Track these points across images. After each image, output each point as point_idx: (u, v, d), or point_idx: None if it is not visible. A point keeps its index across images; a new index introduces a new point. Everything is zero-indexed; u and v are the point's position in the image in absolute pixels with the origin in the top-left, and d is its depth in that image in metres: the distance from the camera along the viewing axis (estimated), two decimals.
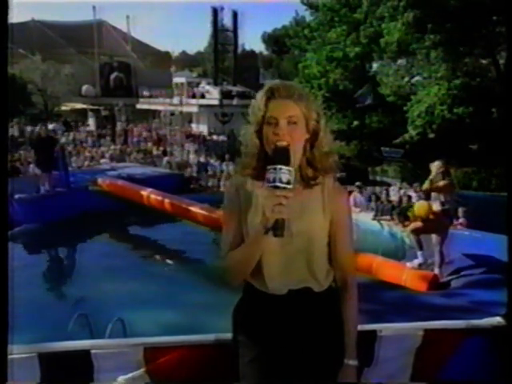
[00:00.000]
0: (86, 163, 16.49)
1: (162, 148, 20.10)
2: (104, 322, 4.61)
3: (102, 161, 16.87)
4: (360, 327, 1.67)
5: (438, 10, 17.88)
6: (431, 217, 6.50)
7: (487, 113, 18.67)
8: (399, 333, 1.94)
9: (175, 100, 30.38)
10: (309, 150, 1.53)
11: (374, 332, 1.89)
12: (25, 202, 10.28)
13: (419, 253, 6.80)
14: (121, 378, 1.75)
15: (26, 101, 28.03)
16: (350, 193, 10.84)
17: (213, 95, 29.68)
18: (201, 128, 28.19)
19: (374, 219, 10.01)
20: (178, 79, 32.61)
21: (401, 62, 22.46)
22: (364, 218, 9.92)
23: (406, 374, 1.95)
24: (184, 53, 52.71)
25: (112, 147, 19.76)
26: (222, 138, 24.40)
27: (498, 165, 16.35)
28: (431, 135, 18.96)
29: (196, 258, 9.04)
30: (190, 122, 29.58)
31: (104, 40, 38.69)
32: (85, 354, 1.75)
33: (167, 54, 46.71)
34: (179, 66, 40.04)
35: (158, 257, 9.35)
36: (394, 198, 11.48)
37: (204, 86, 30.85)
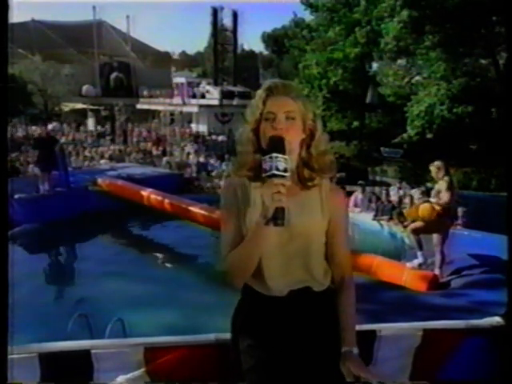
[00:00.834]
0: (86, 163, 16.49)
1: (161, 148, 20.10)
2: (104, 322, 4.60)
3: (102, 161, 16.87)
4: (359, 327, 1.67)
5: (438, 10, 17.88)
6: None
7: (487, 113, 18.66)
8: (399, 333, 1.94)
9: (175, 100, 30.40)
10: (305, 150, 1.54)
11: (373, 332, 1.90)
12: (25, 202, 10.27)
13: (419, 253, 6.80)
14: (121, 378, 1.75)
15: (26, 101, 28.01)
16: (351, 193, 10.85)
17: (213, 95, 29.69)
18: (201, 128, 28.20)
19: (374, 219, 10.01)
20: (178, 79, 32.64)
21: (401, 62, 22.45)
22: (364, 218, 9.92)
23: (406, 373, 1.95)
24: (184, 53, 52.72)
25: (112, 147, 19.76)
26: (222, 137, 24.41)
27: (497, 165, 16.34)
28: (430, 135, 18.95)
29: (196, 258, 9.04)
30: (190, 122, 29.59)
31: (104, 40, 38.70)
32: (85, 354, 1.76)
33: (167, 54, 46.72)
34: (179, 66, 40.06)
35: (158, 257, 9.34)
36: (393, 198, 11.48)
37: (204, 86, 30.86)
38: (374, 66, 24.70)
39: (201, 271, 7.91)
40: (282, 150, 1.36)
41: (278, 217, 1.33)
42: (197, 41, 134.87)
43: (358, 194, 10.91)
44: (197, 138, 24.55)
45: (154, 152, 19.44)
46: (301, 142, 1.52)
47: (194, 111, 29.33)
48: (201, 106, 28.95)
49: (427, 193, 7.93)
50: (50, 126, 13.54)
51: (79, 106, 32.54)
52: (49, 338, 1.99)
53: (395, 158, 21.29)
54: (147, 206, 10.71)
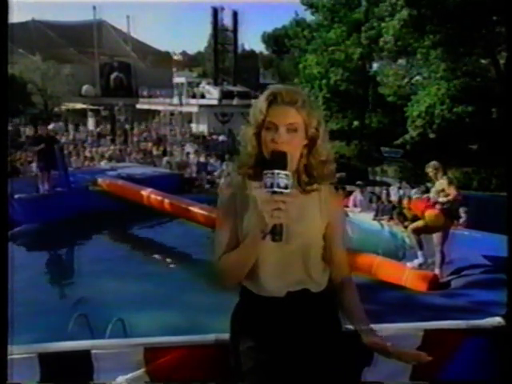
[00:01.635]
0: (86, 163, 16.49)
1: (161, 148, 20.10)
2: (104, 322, 4.60)
3: (103, 163, 16.86)
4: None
5: (438, 10, 17.88)
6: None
7: (487, 113, 18.67)
8: (399, 333, 1.94)
9: (175, 100, 30.42)
10: (306, 156, 1.52)
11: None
12: (25, 202, 10.27)
13: (419, 253, 6.81)
14: (121, 379, 1.75)
15: (26, 101, 28.02)
16: (351, 193, 10.85)
17: (213, 95, 29.70)
18: (201, 128, 28.21)
19: (374, 219, 10.01)
20: (178, 79, 32.65)
21: (401, 62, 22.46)
22: (364, 218, 9.92)
23: (406, 373, 1.95)
24: (184, 53, 52.73)
25: (112, 147, 19.77)
26: (222, 137, 24.42)
27: (497, 165, 16.35)
28: (431, 135, 18.95)
29: (196, 258, 9.03)
30: (190, 122, 29.61)
31: (104, 40, 38.76)
32: (85, 354, 1.75)
33: (167, 54, 46.72)
34: (179, 66, 40.06)
35: (157, 257, 9.34)
36: (394, 197, 11.47)
37: (204, 86, 30.87)
38: (375, 66, 24.72)
39: (201, 271, 7.90)
40: (284, 166, 1.34)
41: (276, 232, 1.34)
42: (197, 41, 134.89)
43: (357, 194, 10.90)
44: (197, 138, 24.57)
45: (155, 152, 19.44)
46: (301, 148, 1.51)
47: (194, 111, 29.35)
48: (201, 105, 28.97)
49: (427, 192, 7.93)
50: (50, 126, 13.55)
51: (79, 105, 32.56)
52: (49, 338, 1.99)
53: (395, 158, 21.32)
54: (147, 205, 10.70)
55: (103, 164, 16.40)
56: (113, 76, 37.30)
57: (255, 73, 42.01)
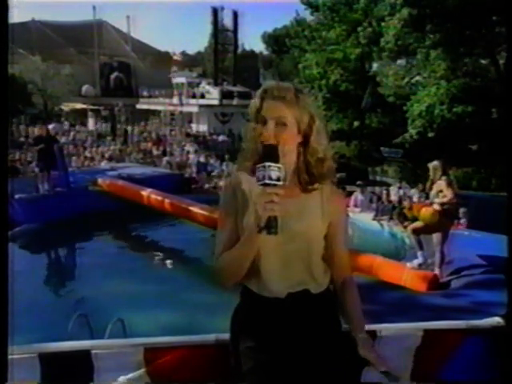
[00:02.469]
0: (86, 163, 16.48)
1: (161, 148, 20.11)
2: (104, 322, 4.61)
3: (103, 163, 16.86)
4: None
5: (438, 10, 17.89)
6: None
7: (487, 113, 18.66)
8: (399, 333, 1.94)
9: (175, 100, 30.42)
10: (302, 154, 1.53)
11: (373, 332, 1.89)
12: (25, 202, 10.28)
13: (419, 253, 6.80)
14: (121, 379, 1.75)
15: (26, 101, 28.02)
16: (351, 193, 10.86)
17: (213, 95, 29.70)
18: (201, 128, 28.21)
19: (374, 219, 10.01)
20: (178, 79, 32.66)
21: (401, 62, 22.46)
22: (364, 218, 9.92)
23: (406, 374, 1.95)
24: (184, 53, 52.73)
25: (112, 147, 19.77)
26: (222, 137, 24.42)
27: (498, 165, 16.35)
28: (431, 134, 18.95)
29: (196, 257, 9.04)
30: (190, 122, 29.61)
31: (104, 40, 38.75)
32: (85, 354, 1.75)
33: (167, 54, 46.74)
34: (179, 66, 40.08)
35: (158, 257, 9.34)
36: (394, 198, 11.48)
37: (204, 86, 30.87)
38: (374, 66, 24.70)
39: (201, 271, 7.91)
40: (275, 159, 1.35)
41: (270, 225, 1.33)
42: (197, 41, 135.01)
43: (357, 194, 10.91)
44: (197, 137, 24.57)
45: (155, 152, 19.45)
46: (297, 147, 1.52)
47: (194, 111, 29.35)
48: (201, 105, 28.97)
49: (424, 190, 7.93)
50: (50, 126, 13.55)
51: (79, 105, 32.57)
52: (49, 338, 1.99)
53: (395, 158, 21.33)
54: (147, 206, 10.71)
55: (103, 164, 16.41)
56: (113, 76, 37.27)
57: (255, 73, 42.03)
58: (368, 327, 1.90)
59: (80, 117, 30.72)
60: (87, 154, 18.10)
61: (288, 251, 1.50)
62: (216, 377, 1.80)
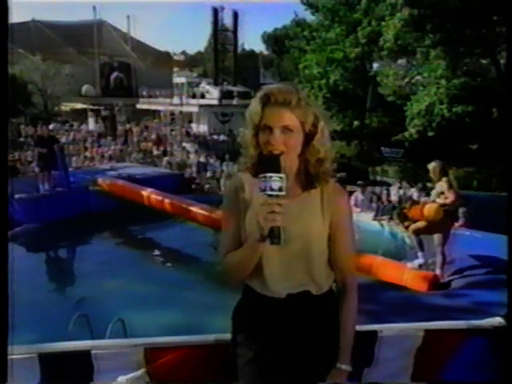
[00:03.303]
0: (86, 163, 16.48)
1: (162, 148, 20.11)
2: (104, 322, 4.60)
3: (104, 164, 16.85)
4: (360, 328, 1.67)
5: (438, 9, 17.88)
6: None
7: (487, 113, 18.65)
8: (400, 333, 1.94)
9: (175, 100, 30.42)
10: (303, 153, 1.51)
11: (374, 332, 1.89)
12: (25, 202, 10.27)
13: (420, 253, 6.80)
14: (121, 379, 1.75)
15: (26, 101, 27.99)
16: (351, 193, 10.84)
17: (213, 95, 29.69)
18: (201, 128, 28.20)
19: (374, 219, 10.01)
20: (178, 79, 32.66)
21: (401, 62, 22.45)
22: (364, 218, 9.91)
23: (407, 374, 1.95)
24: (184, 53, 52.74)
25: (112, 147, 19.78)
26: (222, 137, 24.42)
27: (498, 165, 16.34)
28: (431, 133, 18.93)
29: (196, 257, 9.03)
30: (190, 122, 29.61)
31: (104, 40, 38.72)
32: (85, 354, 1.75)
33: (167, 54, 46.72)
34: (180, 66, 40.09)
35: (158, 257, 9.34)
36: (394, 197, 11.47)
37: (204, 86, 30.86)
38: (375, 66, 24.70)
39: (201, 271, 7.90)
40: (277, 169, 1.34)
41: (273, 236, 1.34)
42: (197, 41, 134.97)
43: (358, 194, 10.91)
44: (197, 137, 24.56)
45: (155, 152, 19.44)
46: (300, 147, 1.50)
47: (194, 111, 29.34)
48: (201, 105, 28.96)
49: (424, 189, 7.91)
50: (50, 126, 13.55)
51: (79, 105, 32.55)
52: (49, 338, 1.99)
53: (396, 157, 21.31)
54: (147, 205, 10.70)
55: (103, 164, 16.40)
56: (113, 76, 37.30)
57: (255, 73, 42.03)
58: (368, 327, 1.90)
59: (80, 117, 30.67)
60: (87, 154, 18.10)
61: (288, 251, 1.49)
62: (216, 377, 1.80)
